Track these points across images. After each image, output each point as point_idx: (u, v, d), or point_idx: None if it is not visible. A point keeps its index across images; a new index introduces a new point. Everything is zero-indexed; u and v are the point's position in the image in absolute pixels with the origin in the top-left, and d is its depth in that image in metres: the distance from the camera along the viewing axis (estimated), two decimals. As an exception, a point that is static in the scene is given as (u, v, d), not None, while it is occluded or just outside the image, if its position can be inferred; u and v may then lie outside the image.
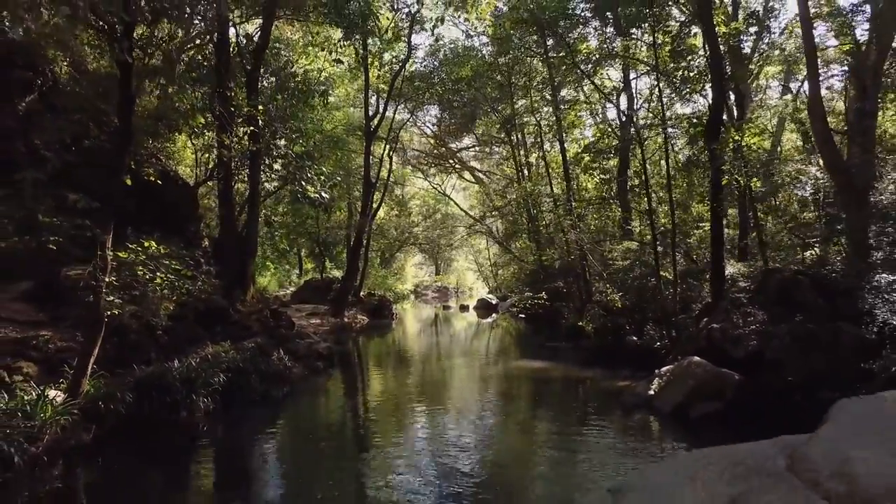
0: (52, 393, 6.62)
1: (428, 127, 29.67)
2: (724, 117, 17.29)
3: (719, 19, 12.37)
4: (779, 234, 11.43)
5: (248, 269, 12.39)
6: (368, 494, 5.43)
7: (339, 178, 17.21)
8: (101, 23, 6.33)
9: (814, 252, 10.46)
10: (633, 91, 18.19)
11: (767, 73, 22.25)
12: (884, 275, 8.00)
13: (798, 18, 20.48)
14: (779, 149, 22.54)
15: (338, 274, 25.06)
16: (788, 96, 17.79)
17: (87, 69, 13.78)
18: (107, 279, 6.30)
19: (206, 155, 17.39)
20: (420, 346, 17.04)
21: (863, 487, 1.84)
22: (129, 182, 6.58)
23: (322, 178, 13.55)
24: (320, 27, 12.14)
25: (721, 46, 12.70)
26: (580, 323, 13.20)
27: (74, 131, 7.94)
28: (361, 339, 17.47)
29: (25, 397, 6.37)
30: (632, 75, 18.36)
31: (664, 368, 8.64)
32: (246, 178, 13.62)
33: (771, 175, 10.23)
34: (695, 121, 11.21)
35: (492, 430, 7.69)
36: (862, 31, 15.51)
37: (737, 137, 11.11)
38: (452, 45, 20.25)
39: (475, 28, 19.43)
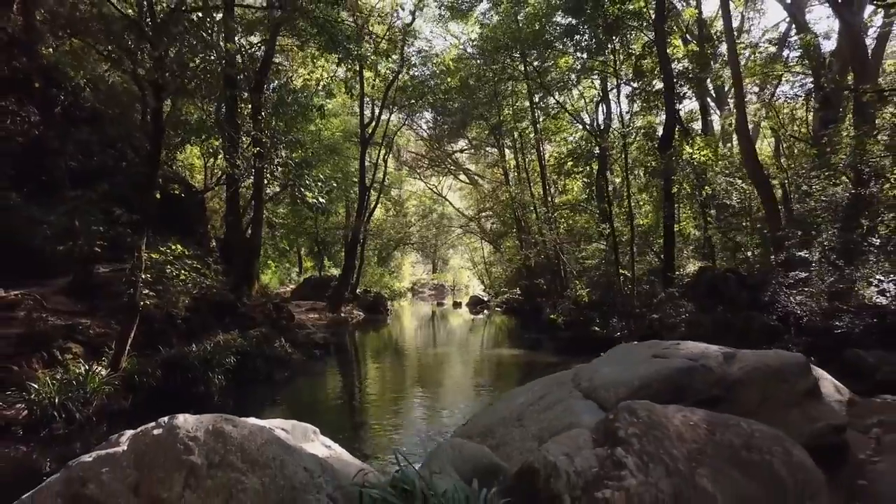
0: (97, 368, 8.27)
1: (423, 130, 31.28)
2: (700, 126, 18.88)
3: (676, 42, 13.95)
4: (721, 237, 13.00)
5: (254, 268, 14.05)
6: (362, 436, 7.11)
7: (335, 184, 18.78)
8: (128, 60, 7.98)
9: (753, 252, 12.03)
10: (610, 101, 19.72)
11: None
12: (795, 272, 9.59)
13: (786, 32, 21.93)
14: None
15: (336, 272, 26.66)
16: (756, 105, 19.26)
17: (104, 84, 15.50)
18: (142, 276, 7.93)
19: (212, 161, 19.03)
20: (410, 338, 18.70)
21: (595, 382, 3.44)
22: (158, 196, 8.21)
23: (319, 184, 15.17)
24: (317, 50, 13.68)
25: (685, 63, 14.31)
26: (552, 316, 14.80)
27: (115, 156, 9.57)
28: (356, 332, 19.10)
29: (77, 371, 8.02)
30: (609, 85, 19.92)
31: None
32: (250, 186, 15.23)
33: (703, 185, 11.79)
34: (649, 133, 12.76)
35: (460, 394, 9.39)
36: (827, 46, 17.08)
37: (688, 150, 12.70)
38: (441, 57, 21.83)
39: (461, 45, 21.06)
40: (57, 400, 7.17)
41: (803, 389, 3.52)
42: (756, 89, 24.63)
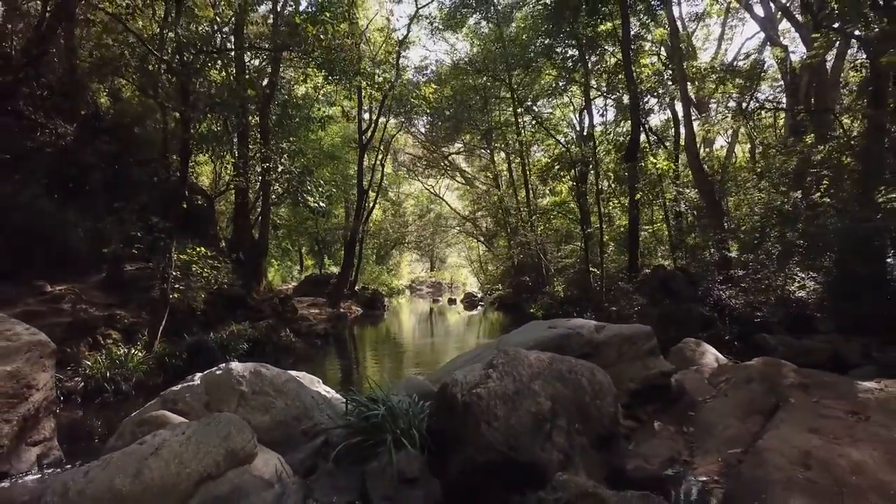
0: (133, 351, 10.02)
1: (420, 132, 32.99)
2: (674, 133, 20.50)
3: (645, 60, 15.61)
4: (677, 238, 14.70)
5: (261, 266, 15.82)
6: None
7: (334, 189, 20.51)
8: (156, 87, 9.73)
9: (710, 253, 13.72)
10: (593, 110, 21.37)
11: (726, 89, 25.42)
12: (732, 270, 11.29)
13: (764, 42, 23.50)
14: (734, 158, 25.66)
15: (335, 270, 28.41)
16: (729, 115, 20.83)
17: (121, 97, 17.29)
18: (172, 273, 9.68)
19: (220, 165, 20.78)
20: (404, 329, 20.48)
21: (507, 343, 5.17)
22: (185, 206, 9.95)
23: (320, 189, 16.93)
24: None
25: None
26: (532, 310, 16.54)
27: (149, 172, 11.36)
28: (355, 325, 20.89)
29: (117, 353, 9.77)
30: (592, 94, 21.59)
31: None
32: (256, 191, 16.99)
33: (661, 192, 13.47)
34: (619, 145, 14.43)
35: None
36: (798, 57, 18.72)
37: (652, 160, 14.37)
38: (436, 67, 23.55)
39: (455, 50, 22.73)
40: (108, 374, 8.93)
41: (646, 350, 5.25)
42: (736, 95, 26.34)
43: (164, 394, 4.69)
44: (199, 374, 4.83)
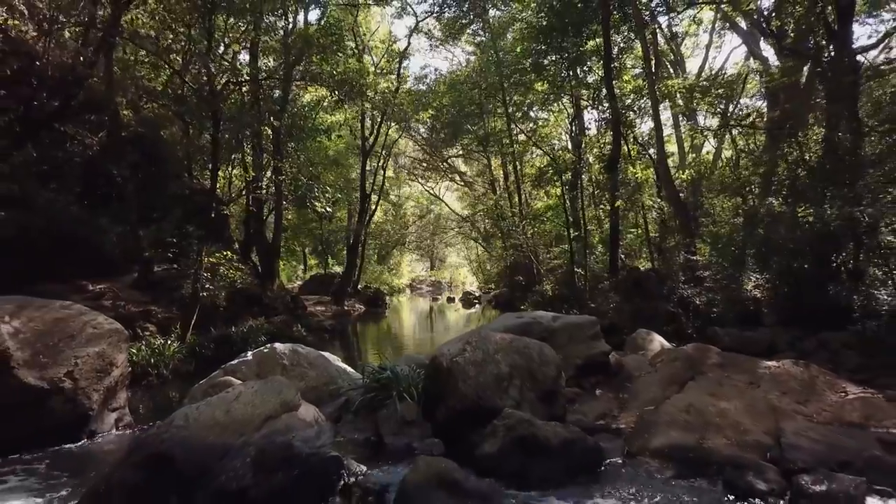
0: (169, 342, 11.68)
1: (420, 136, 34.64)
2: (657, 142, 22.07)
3: (627, 77, 17.20)
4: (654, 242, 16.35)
5: (275, 267, 17.50)
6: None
7: (340, 195, 22.21)
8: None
9: (678, 255, 15.33)
10: (584, 119, 22.99)
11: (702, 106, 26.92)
12: (698, 272, 12.93)
13: (748, 53, 24.95)
14: (720, 162, 27.20)
15: (339, 269, 30.11)
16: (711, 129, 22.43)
17: (142, 109, 18.95)
18: (203, 274, 11.35)
19: (231, 170, 22.48)
20: (404, 326, 22.16)
21: (489, 329, 6.82)
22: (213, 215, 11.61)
23: (326, 195, 18.62)
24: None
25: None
26: (522, 308, 18.16)
27: (177, 183, 13.08)
28: (358, 322, 22.58)
29: (156, 343, 11.42)
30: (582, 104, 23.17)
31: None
32: (266, 197, 18.66)
33: (638, 200, 15.09)
34: (602, 155, 16.04)
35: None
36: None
37: (633, 170, 15.99)
38: (435, 77, 25.19)
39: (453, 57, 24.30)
40: (151, 361, 10.61)
41: (591, 334, 6.90)
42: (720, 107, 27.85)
43: (225, 366, 6.35)
44: (250, 352, 6.49)
